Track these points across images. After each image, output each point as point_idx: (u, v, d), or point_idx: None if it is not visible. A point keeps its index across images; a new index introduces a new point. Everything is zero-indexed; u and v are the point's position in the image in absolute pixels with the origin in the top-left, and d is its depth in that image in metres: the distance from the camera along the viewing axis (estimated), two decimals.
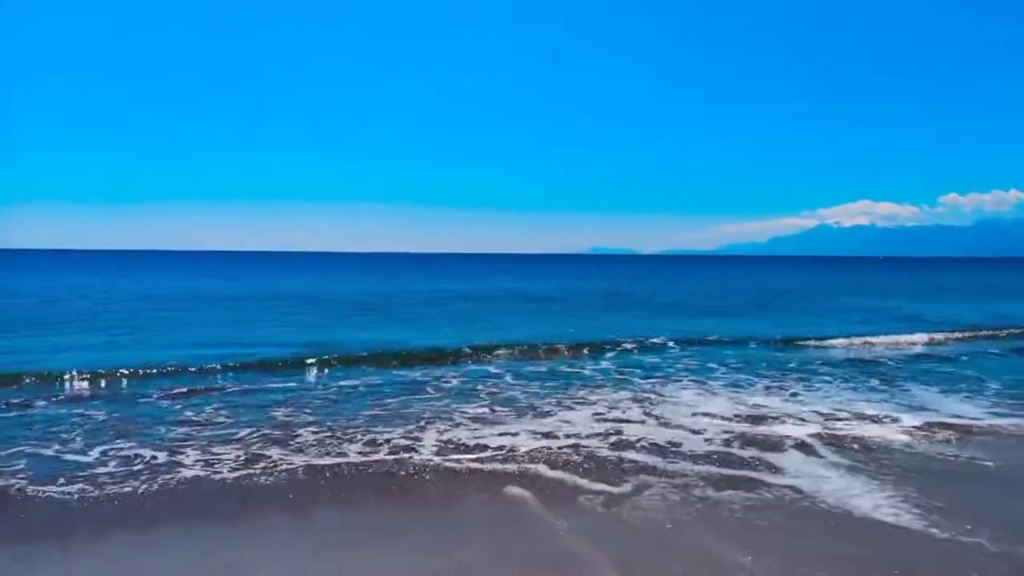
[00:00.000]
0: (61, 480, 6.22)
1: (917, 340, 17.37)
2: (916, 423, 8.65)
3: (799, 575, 4.54)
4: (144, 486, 6.12)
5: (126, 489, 6.03)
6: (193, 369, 11.59)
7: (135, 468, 6.61)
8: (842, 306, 29.01)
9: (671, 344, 15.54)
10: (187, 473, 6.49)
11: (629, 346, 15.08)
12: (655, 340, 15.82)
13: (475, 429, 8.28)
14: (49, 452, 7.11)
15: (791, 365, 13.24)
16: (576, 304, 28.79)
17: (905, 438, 7.95)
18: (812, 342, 16.62)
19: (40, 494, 5.91)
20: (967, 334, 18.54)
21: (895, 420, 8.82)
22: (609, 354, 14.35)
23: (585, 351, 14.62)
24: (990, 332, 18.98)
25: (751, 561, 4.72)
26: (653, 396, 10.25)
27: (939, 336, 17.96)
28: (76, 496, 5.88)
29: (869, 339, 17.10)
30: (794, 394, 10.56)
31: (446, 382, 11.20)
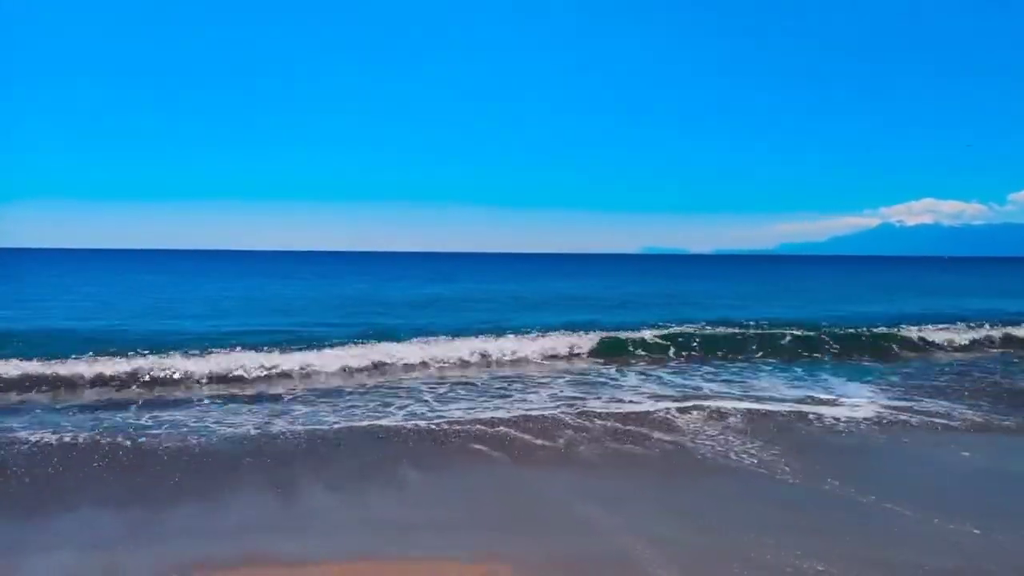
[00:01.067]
0: (123, 435, 8.09)
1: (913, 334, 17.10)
2: (824, 403, 10.09)
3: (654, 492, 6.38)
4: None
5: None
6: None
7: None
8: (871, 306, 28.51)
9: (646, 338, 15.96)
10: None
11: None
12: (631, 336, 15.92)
13: (441, 403, 10.04)
14: (117, 420, 9.03)
15: (739, 358, 14.46)
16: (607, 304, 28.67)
17: (811, 413, 9.37)
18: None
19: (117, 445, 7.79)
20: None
21: (811, 401, 10.25)
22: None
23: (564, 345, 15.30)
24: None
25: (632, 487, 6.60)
26: (607, 380, 11.86)
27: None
28: (146, 447, 7.68)
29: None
30: (727, 380, 11.96)
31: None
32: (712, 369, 13.20)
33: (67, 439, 7.80)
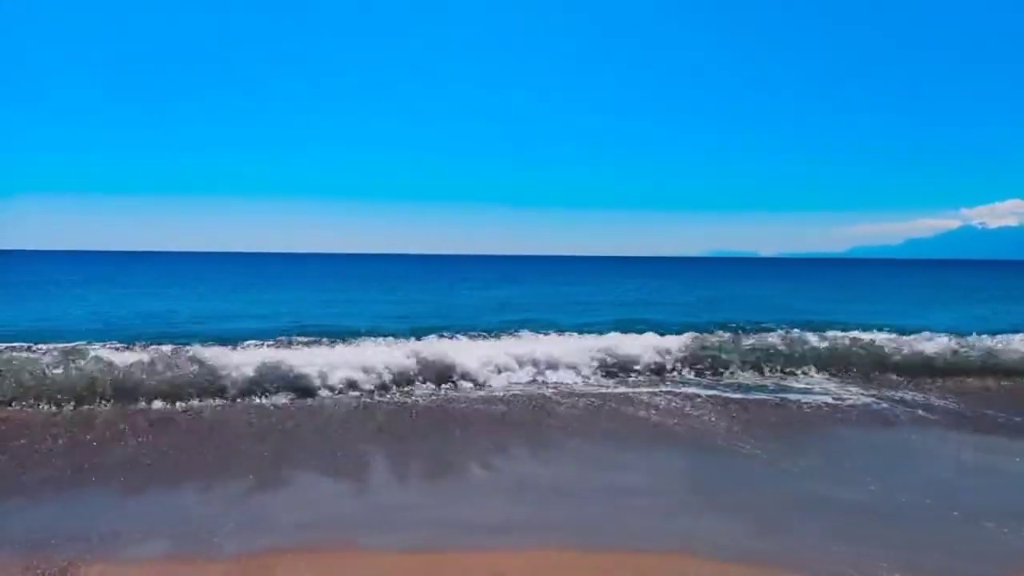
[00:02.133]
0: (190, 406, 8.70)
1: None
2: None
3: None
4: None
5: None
6: None
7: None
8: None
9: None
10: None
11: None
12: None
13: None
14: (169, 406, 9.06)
15: (721, 355, 12.92)
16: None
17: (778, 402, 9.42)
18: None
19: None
20: None
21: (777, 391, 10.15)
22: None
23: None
24: None
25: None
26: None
27: None
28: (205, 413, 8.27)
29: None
30: (702, 374, 11.63)
31: None
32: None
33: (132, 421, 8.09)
